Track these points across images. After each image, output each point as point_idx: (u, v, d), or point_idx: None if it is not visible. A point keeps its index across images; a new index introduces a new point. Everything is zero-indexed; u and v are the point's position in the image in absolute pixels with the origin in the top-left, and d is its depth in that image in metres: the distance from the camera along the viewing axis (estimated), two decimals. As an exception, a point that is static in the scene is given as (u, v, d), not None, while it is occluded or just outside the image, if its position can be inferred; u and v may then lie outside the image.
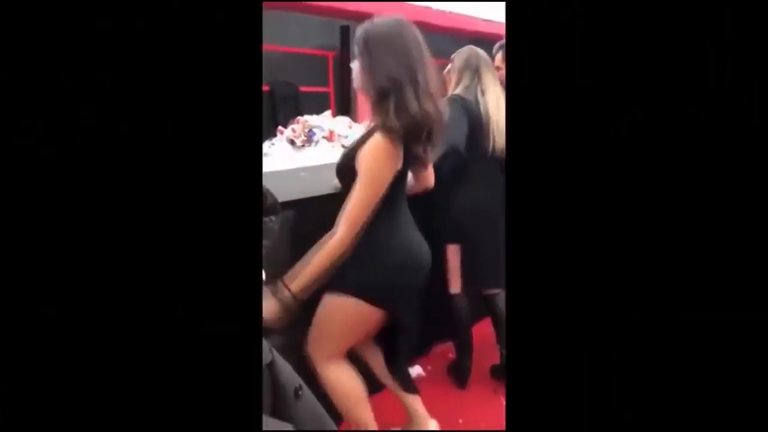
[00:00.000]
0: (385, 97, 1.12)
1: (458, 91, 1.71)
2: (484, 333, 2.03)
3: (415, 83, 1.12)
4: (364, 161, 1.14)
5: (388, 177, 1.14)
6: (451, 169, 1.58)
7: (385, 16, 1.19)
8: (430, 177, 1.42)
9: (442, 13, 4.04)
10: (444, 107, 1.24)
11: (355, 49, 1.21)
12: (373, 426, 1.36)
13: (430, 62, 1.18)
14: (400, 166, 1.16)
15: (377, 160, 1.13)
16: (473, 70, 1.71)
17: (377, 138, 1.13)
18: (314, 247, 1.17)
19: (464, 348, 1.89)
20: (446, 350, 2.03)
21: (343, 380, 1.32)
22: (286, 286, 1.13)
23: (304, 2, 2.98)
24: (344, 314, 1.26)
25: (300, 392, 0.81)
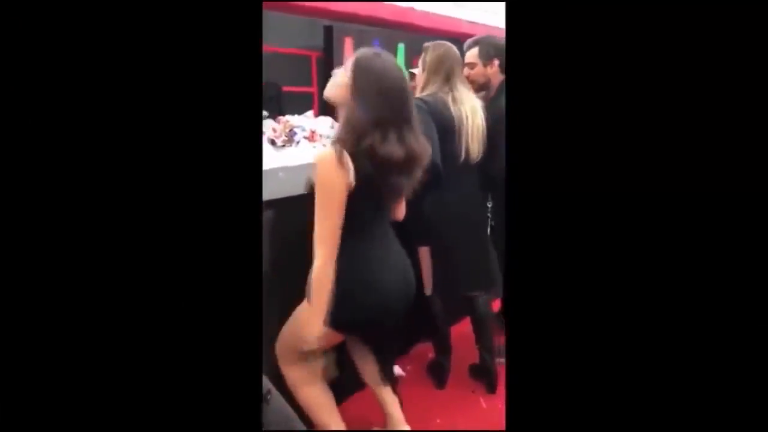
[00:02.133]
0: (370, 132, 1.12)
1: (429, 91, 1.66)
2: (464, 332, 2.04)
3: (404, 122, 1.14)
4: (315, 175, 1.14)
5: (339, 186, 1.12)
6: (429, 182, 1.55)
7: (377, 50, 1.20)
8: (401, 208, 1.38)
9: (426, 14, 4.04)
10: (426, 144, 1.23)
11: (346, 67, 1.20)
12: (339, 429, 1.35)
13: (412, 105, 1.19)
14: (350, 179, 1.13)
15: (325, 171, 1.12)
16: (447, 71, 1.65)
17: (324, 150, 1.14)
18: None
19: (442, 348, 1.90)
20: (426, 350, 2.04)
21: (303, 384, 1.32)
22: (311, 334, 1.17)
23: (287, 2, 2.97)
24: (302, 320, 1.27)
25: (268, 397, 0.80)
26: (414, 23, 3.90)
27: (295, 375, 1.32)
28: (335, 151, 1.11)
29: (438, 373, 1.89)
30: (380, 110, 1.12)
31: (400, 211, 1.38)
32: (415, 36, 4.07)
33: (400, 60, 3.36)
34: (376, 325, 1.29)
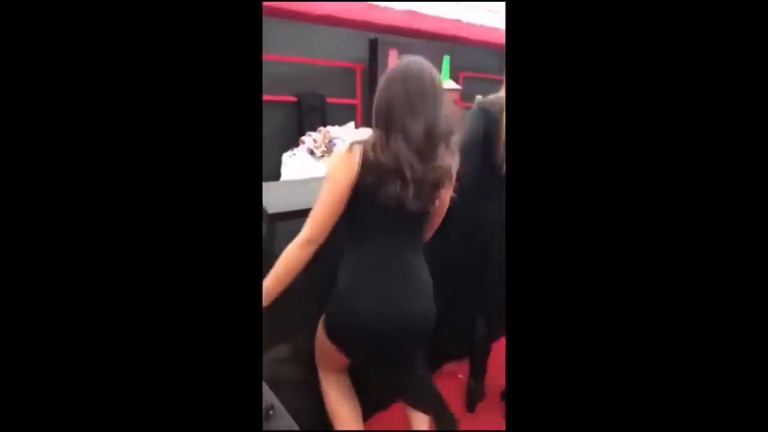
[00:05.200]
0: (381, 121, 1.10)
1: (490, 97, 1.58)
2: (500, 354, 1.95)
3: (417, 120, 1.07)
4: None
5: (341, 178, 1.09)
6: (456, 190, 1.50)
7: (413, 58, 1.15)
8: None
9: (472, 25, 3.99)
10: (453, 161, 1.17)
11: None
12: None
13: (439, 112, 1.10)
14: (355, 171, 1.09)
15: (332, 163, 1.12)
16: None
17: (340, 147, 1.15)
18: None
19: (477, 369, 1.82)
20: (457, 370, 1.96)
21: (334, 396, 1.31)
22: None
23: (331, 15, 3.01)
24: (320, 336, 1.27)
25: (271, 412, 0.78)
26: (459, 35, 3.86)
27: (328, 380, 1.32)
28: (350, 143, 1.11)
29: (468, 396, 1.82)
30: (398, 101, 1.07)
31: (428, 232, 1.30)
32: (461, 47, 4.03)
33: (446, 71, 3.32)
34: (363, 349, 1.19)
